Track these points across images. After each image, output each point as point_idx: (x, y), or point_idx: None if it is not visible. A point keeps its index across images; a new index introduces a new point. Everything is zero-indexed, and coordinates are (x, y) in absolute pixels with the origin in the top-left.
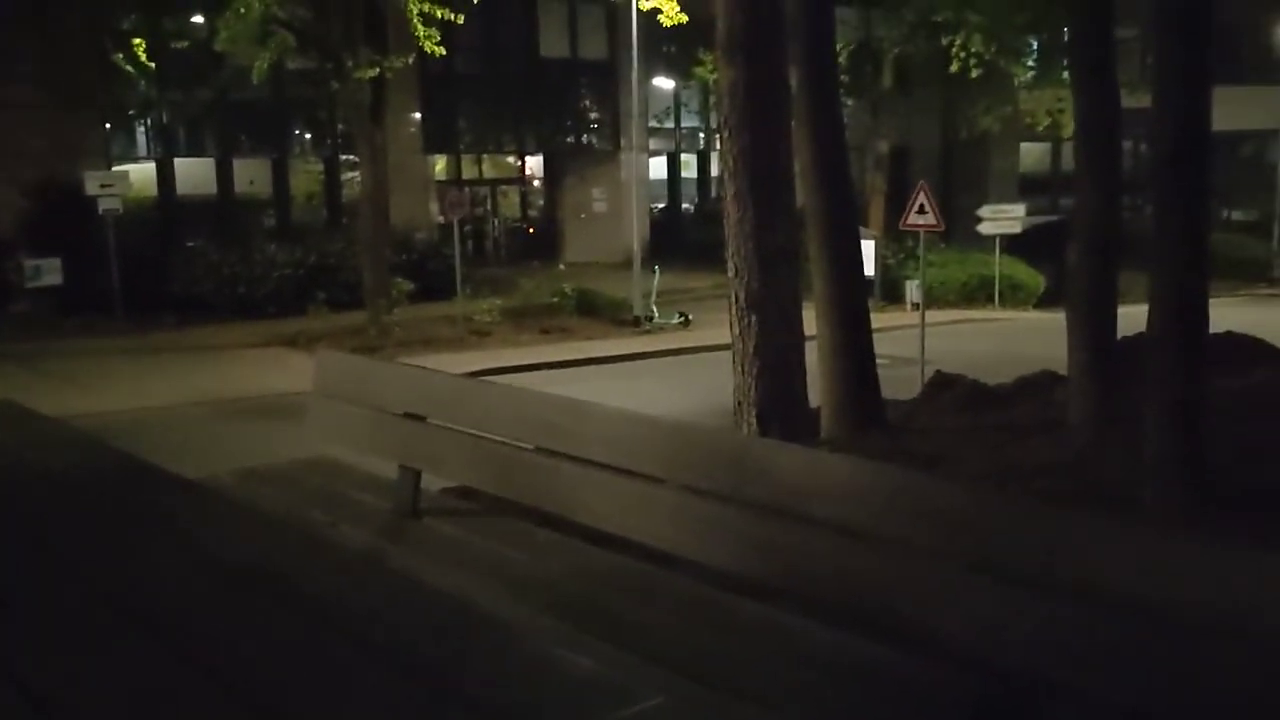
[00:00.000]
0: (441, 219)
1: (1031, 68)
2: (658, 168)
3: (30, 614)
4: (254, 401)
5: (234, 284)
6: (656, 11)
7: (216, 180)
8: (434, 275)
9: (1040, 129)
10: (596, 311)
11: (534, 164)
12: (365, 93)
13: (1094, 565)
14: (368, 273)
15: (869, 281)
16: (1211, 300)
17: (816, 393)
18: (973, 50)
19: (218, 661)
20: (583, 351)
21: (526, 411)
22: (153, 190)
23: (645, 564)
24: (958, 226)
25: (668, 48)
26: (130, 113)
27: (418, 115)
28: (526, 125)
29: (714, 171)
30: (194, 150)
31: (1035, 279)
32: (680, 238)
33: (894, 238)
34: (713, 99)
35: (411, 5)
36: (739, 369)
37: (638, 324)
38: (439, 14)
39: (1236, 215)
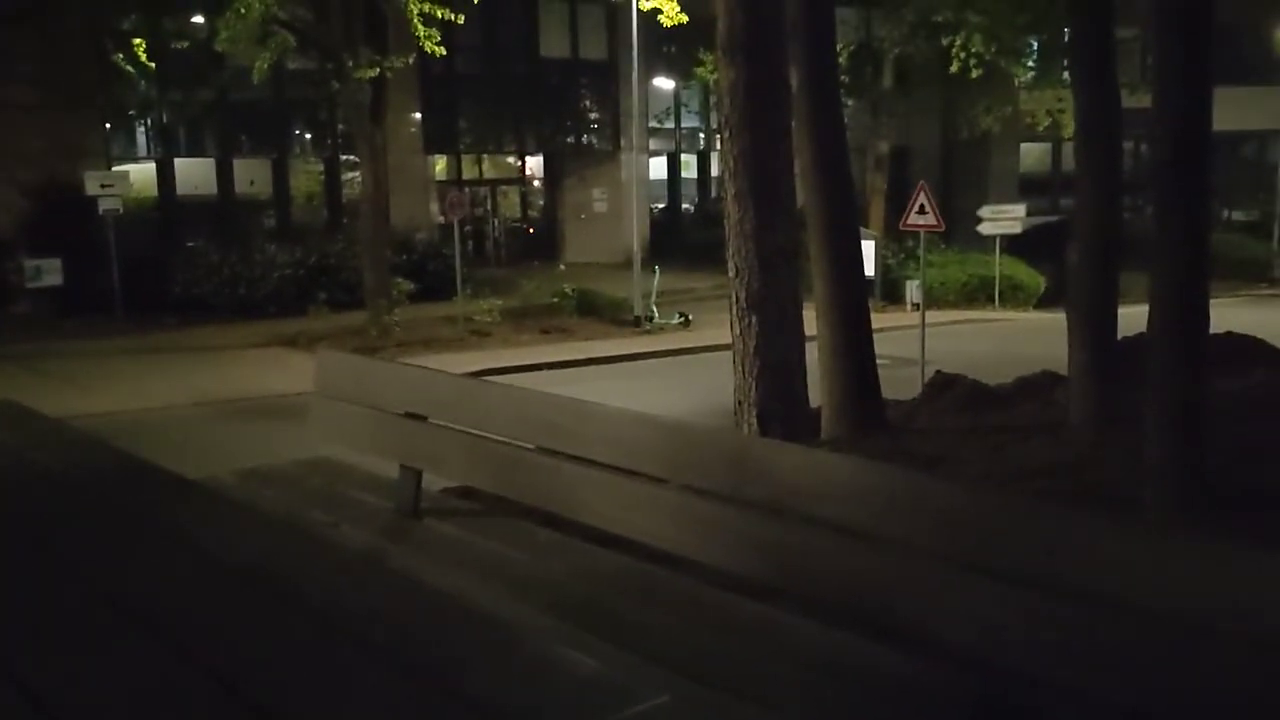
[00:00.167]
0: (442, 219)
1: (1032, 68)
2: (658, 168)
3: (30, 614)
4: (254, 402)
5: (234, 284)
6: (657, 12)
7: (217, 180)
8: (434, 275)
9: (1041, 129)
10: (597, 312)
11: (534, 164)
12: (365, 93)
13: (1094, 565)
14: (368, 273)
15: (869, 282)
16: (1212, 300)
17: (817, 393)
18: (973, 50)
19: (218, 662)
20: (583, 352)
21: (528, 411)
22: (153, 190)
23: (647, 564)
24: (958, 227)
25: (668, 48)
26: (130, 113)
27: (418, 115)
28: (527, 125)
29: (714, 172)
30: (194, 150)
31: (1035, 279)
32: (680, 238)
33: (894, 238)
34: (713, 99)
35: (412, 5)
36: (739, 369)
37: (638, 324)
38: (439, 14)
39: (1237, 215)
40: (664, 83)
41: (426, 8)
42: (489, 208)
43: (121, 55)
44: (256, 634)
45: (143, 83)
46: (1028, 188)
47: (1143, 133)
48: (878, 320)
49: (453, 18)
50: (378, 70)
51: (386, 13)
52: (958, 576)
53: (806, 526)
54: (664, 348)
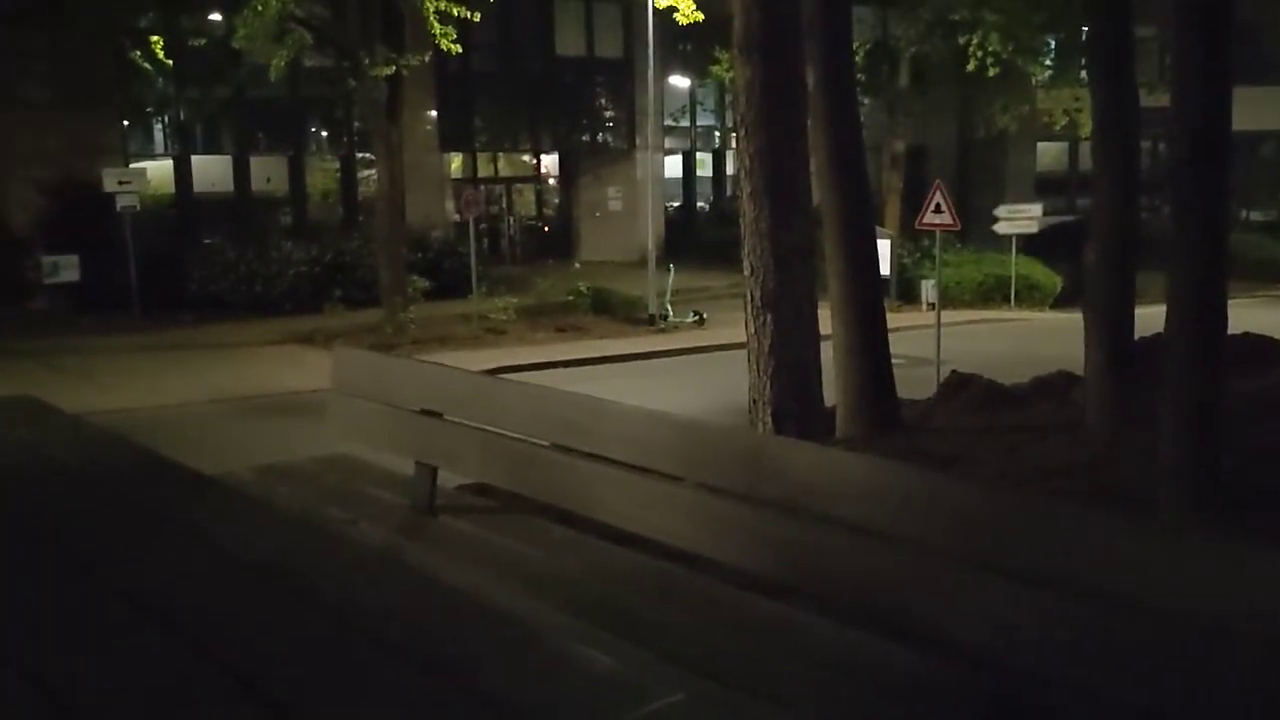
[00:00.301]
0: (457, 217)
1: (1049, 67)
2: (673, 166)
3: (46, 609)
4: (270, 399)
5: (250, 281)
6: (672, 10)
7: (233, 178)
8: (449, 273)
9: (1058, 128)
10: (611, 310)
11: (549, 162)
12: (381, 91)
13: (1109, 565)
14: (384, 270)
15: (885, 281)
16: (1229, 301)
17: (832, 392)
18: (990, 49)
19: (234, 658)
20: (598, 350)
21: (544, 409)
22: (170, 188)
23: (662, 562)
24: (974, 226)
25: (684, 46)
26: (147, 110)
27: (434, 113)
28: (542, 124)
29: (730, 170)
30: (211, 148)
31: (1052, 279)
32: (695, 237)
33: (910, 237)
34: (729, 97)
35: (428, 3)
36: (754, 368)
37: (653, 323)
38: (455, 12)
39: (1255, 215)
40: (679, 81)
41: (443, 5)
42: (504, 206)
43: (138, 53)
44: (273, 631)
45: (160, 80)
46: (1044, 187)
47: (1161, 132)
48: (893, 320)
49: (469, 16)
50: (394, 68)
51: (403, 11)
52: (972, 576)
53: (821, 525)
54: (678, 346)
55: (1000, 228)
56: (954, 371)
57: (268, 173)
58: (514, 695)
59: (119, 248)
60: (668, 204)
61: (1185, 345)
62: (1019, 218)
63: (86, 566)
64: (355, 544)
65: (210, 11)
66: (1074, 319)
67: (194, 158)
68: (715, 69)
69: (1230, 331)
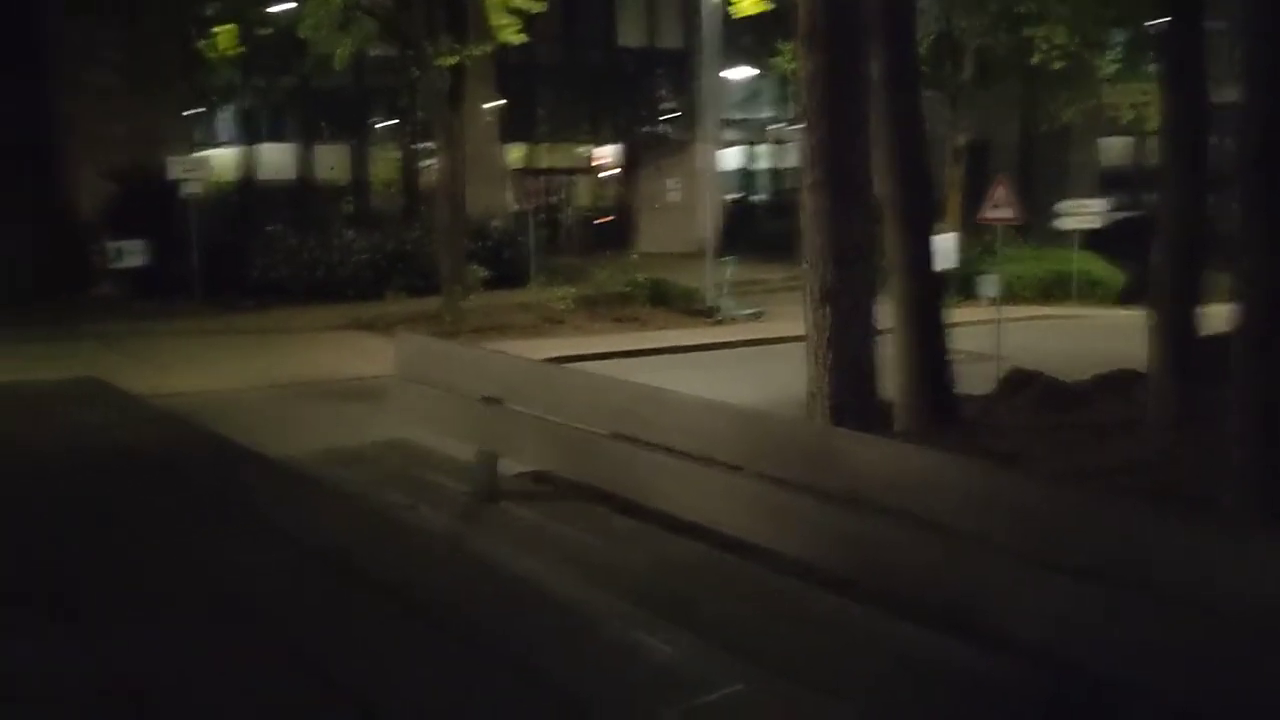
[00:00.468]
0: (517, 207)
1: (1116, 61)
2: (733, 158)
3: (112, 588)
4: (331, 384)
5: (312, 268)
6: (729, 1)
7: (297, 166)
8: (508, 263)
9: (1125, 123)
10: (669, 302)
11: (609, 153)
12: (444, 81)
13: (1173, 563)
14: (444, 259)
15: (944, 275)
16: None
17: (890, 387)
18: (1056, 43)
19: (298, 638)
20: (655, 341)
21: (606, 398)
22: (234, 175)
23: (722, 552)
24: (1036, 221)
25: (745, 38)
26: (213, 99)
27: (496, 104)
28: (602, 115)
29: (790, 163)
30: (275, 136)
31: (1115, 275)
32: (754, 229)
33: (971, 231)
34: (790, 89)
35: None
36: (812, 361)
37: (710, 315)
38: (518, 3)
39: None
40: (741, 73)
41: None
42: (563, 196)
43: (205, 42)
44: (337, 614)
45: (225, 69)
46: (1109, 182)
47: (1231, 129)
48: (952, 315)
49: (532, 7)
50: (457, 59)
51: (466, 1)
52: (1033, 572)
53: (883, 518)
54: (736, 339)
55: (1063, 223)
56: (1014, 368)
57: (330, 161)
58: (575, 682)
59: (183, 234)
60: (726, 196)
61: (1253, 344)
62: (1082, 213)
63: (153, 547)
64: (417, 529)
65: (277, 1)
66: (1137, 316)
67: (258, 146)
68: (777, 61)
69: None
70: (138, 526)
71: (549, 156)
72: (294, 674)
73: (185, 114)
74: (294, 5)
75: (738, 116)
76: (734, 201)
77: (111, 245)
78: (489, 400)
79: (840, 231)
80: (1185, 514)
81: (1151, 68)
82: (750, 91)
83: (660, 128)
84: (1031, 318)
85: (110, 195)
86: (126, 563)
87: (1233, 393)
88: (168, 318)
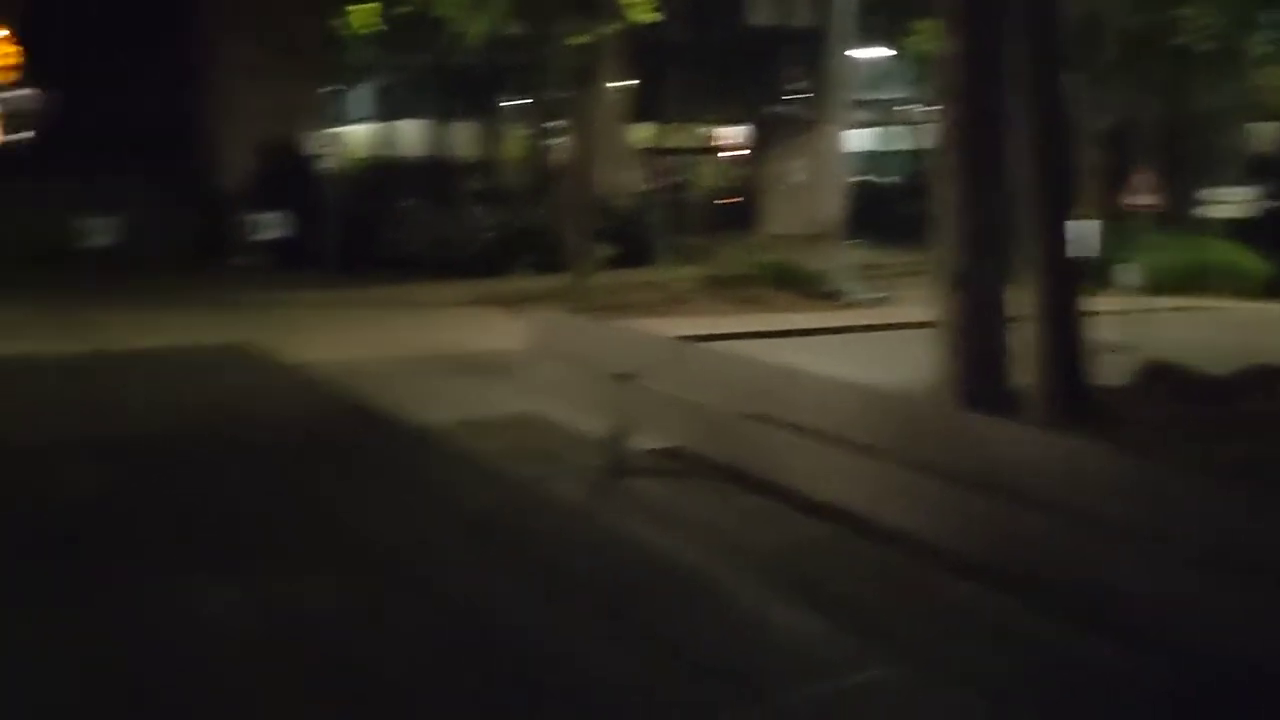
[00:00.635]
0: (644, 186)
1: (1269, 43)
2: (863, 140)
3: (265, 547)
4: (461, 358)
5: (442, 244)
6: None
7: (429, 143)
8: (634, 242)
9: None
10: (794, 284)
11: (737, 134)
12: (576, 60)
13: None
14: (570, 237)
15: (1083, 263)
16: None
17: (1023, 375)
18: (1204, 23)
19: (444, 592)
20: (780, 323)
21: (739, 376)
22: (368, 151)
23: (852, 534)
24: (1180, 209)
25: (878, 17)
26: (351, 77)
27: (625, 83)
28: (731, 94)
29: (922, 145)
30: (409, 113)
31: (1262, 266)
32: (882, 212)
33: (1111, 219)
34: (922, 70)
35: None
36: (943, 347)
37: (836, 298)
38: None
39: None
40: (872, 53)
41: None
42: (689, 176)
43: (344, 20)
44: (484, 578)
45: (364, 47)
46: (1257, 169)
47: None
48: (1090, 304)
49: None
50: (589, 37)
51: None
52: (1177, 563)
53: (1020, 504)
54: (862, 323)
55: (1207, 211)
56: (1152, 359)
57: (462, 138)
58: (712, 656)
59: (319, 208)
60: (855, 178)
61: None
62: (1228, 201)
63: (305, 506)
64: (552, 499)
65: None
66: None
67: (393, 123)
68: (911, 41)
69: None
70: (292, 487)
71: (676, 136)
72: (440, 622)
73: (324, 91)
74: None
75: (867, 97)
76: (861, 184)
77: (252, 218)
78: (621, 376)
79: (974, 216)
80: None
81: None
82: (880, 72)
83: (788, 108)
84: (1172, 309)
85: (251, 169)
86: (281, 519)
87: None
88: (303, 288)
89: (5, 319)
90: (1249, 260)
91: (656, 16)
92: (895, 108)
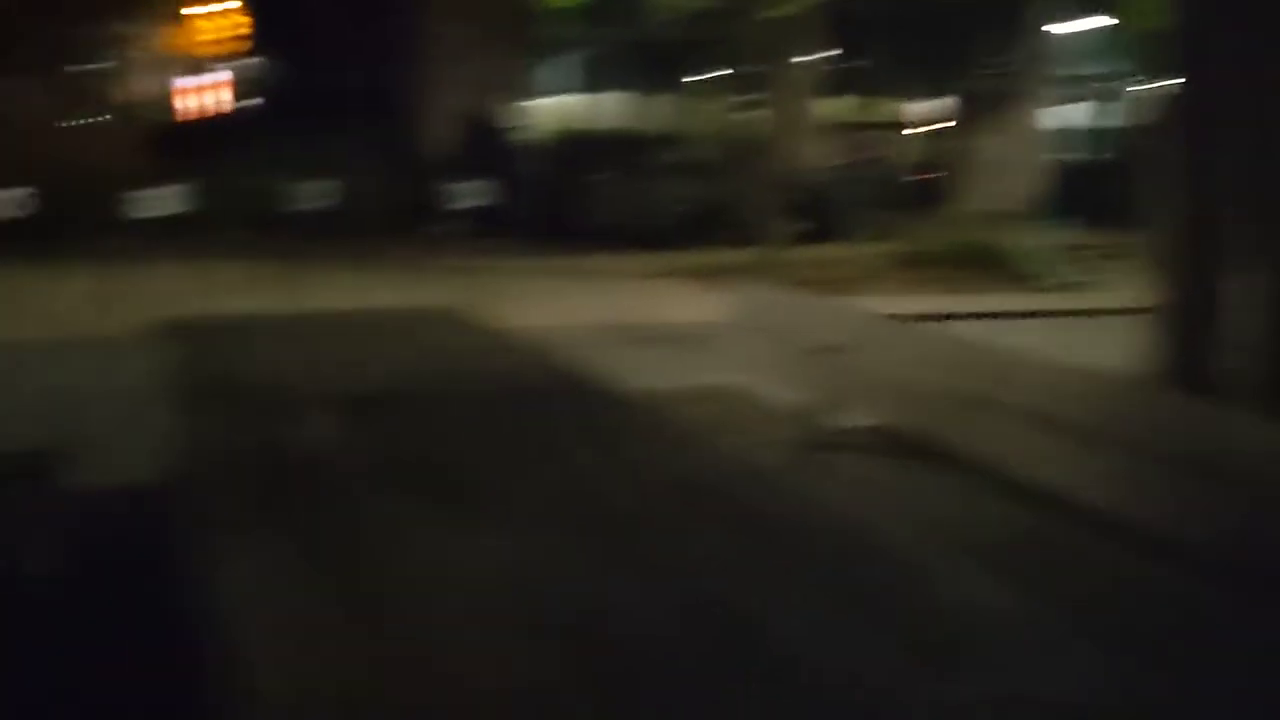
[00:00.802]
0: (837, 161)
1: None
2: (1065, 116)
3: (485, 509)
4: (652, 328)
5: (634, 216)
6: None
7: (624, 115)
8: (825, 217)
9: None
10: (990, 264)
11: (933, 108)
12: (771, 33)
13: None
14: (761, 211)
15: None
16: None
17: (1241, 361)
18: None
19: (654, 557)
20: (977, 304)
21: (944, 354)
22: (565, 123)
23: (1067, 521)
24: None
25: None
26: (550, 50)
27: (819, 56)
28: (927, 68)
29: (1128, 122)
30: (606, 86)
31: None
32: (1085, 191)
33: None
34: (1137, 44)
35: None
36: (1156, 334)
37: (1035, 280)
38: None
39: None
40: (1078, 25)
41: None
42: (883, 151)
43: None
44: (685, 535)
45: (563, 20)
46: None
47: None
48: None
49: None
50: (784, 11)
51: None
52: None
53: (1251, 496)
54: (1065, 306)
55: None
56: None
57: (656, 111)
58: (927, 634)
59: (514, 178)
60: (1058, 155)
61: None
62: None
63: (527, 464)
64: (759, 470)
65: None
66: None
67: (589, 95)
68: (1120, 12)
69: None
70: (512, 444)
71: (870, 110)
72: (651, 584)
73: (524, 64)
74: None
75: (1071, 72)
76: (1066, 161)
77: (452, 186)
78: (825, 351)
79: (1190, 195)
80: None
81: None
82: (1085, 46)
83: (986, 83)
84: None
85: (451, 139)
86: (506, 474)
87: None
88: (500, 256)
89: (229, 278)
90: None
91: None
92: (1101, 83)
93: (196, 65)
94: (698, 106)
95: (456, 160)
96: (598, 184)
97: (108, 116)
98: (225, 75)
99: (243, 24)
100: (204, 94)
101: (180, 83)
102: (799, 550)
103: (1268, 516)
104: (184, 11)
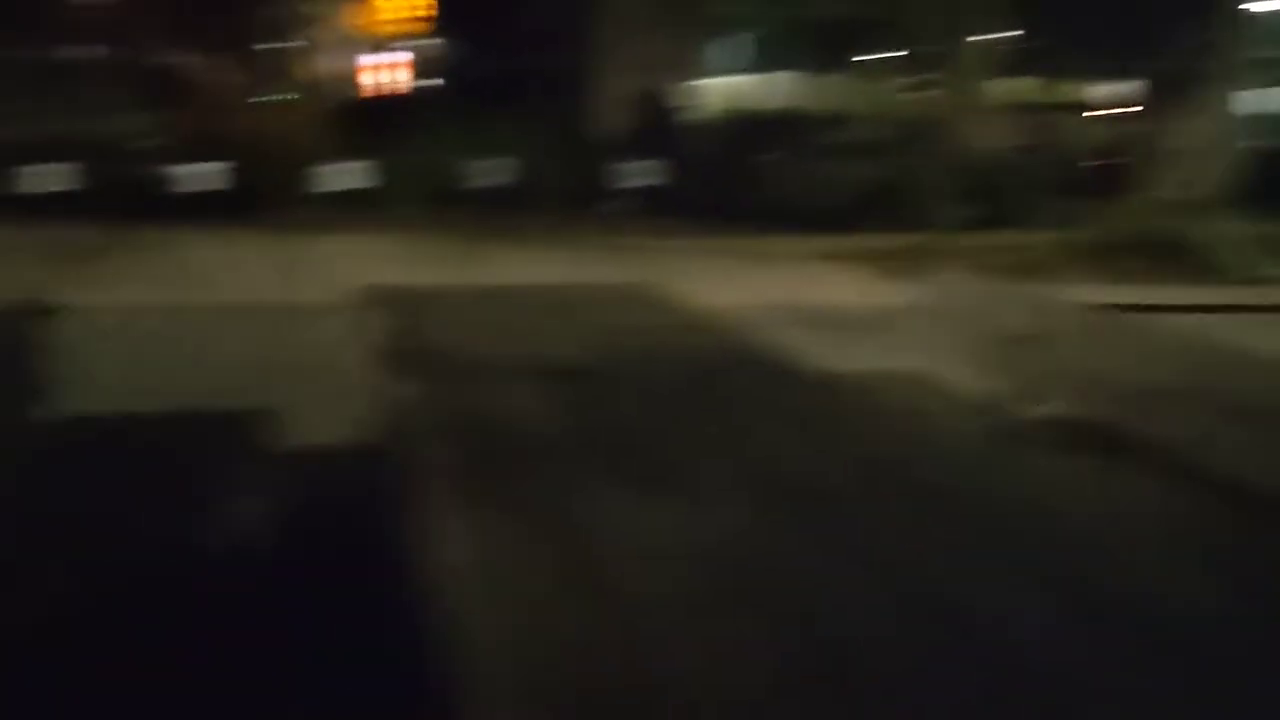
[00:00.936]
0: (1011, 144)
1: None
2: (1262, 100)
3: (687, 483)
4: (828, 310)
5: (802, 197)
6: None
7: (794, 95)
8: (999, 202)
9: None
10: (1178, 254)
11: (1118, 90)
12: (949, 10)
13: None
14: (932, 194)
15: None
16: None
17: None
18: None
19: (860, 534)
20: (1166, 296)
21: (1141, 345)
22: (735, 103)
23: (1272, 519)
24: None
25: None
26: (723, 30)
27: (995, 36)
28: (1110, 49)
29: None
30: (776, 66)
31: None
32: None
33: None
34: None
35: None
36: None
37: (1226, 272)
38: None
39: None
40: (1271, 5)
41: None
42: (1059, 136)
43: None
44: (896, 520)
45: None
46: None
47: None
48: None
49: None
50: None
51: None
52: None
53: None
54: (1262, 301)
55: None
56: None
57: (825, 91)
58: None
59: (683, 158)
60: (1251, 142)
61: None
62: None
63: (716, 445)
64: (948, 456)
65: None
66: None
67: (759, 75)
68: None
69: None
70: (706, 420)
71: (1049, 92)
72: (852, 563)
73: (695, 42)
74: None
75: (1265, 55)
76: (1256, 148)
77: (622, 165)
78: (1017, 339)
79: None
80: None
81: None
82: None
83: (1177, 64)
84: None
85: (624, 118)
86: (703, 448)
87: None
88: (667, 235)
89: (410, 251)
90: None
91: None
92: None
93: (379, 45)
94: (869, 86)
95: (627, 140)
96: (766, 164)
97: (297, 94)
98: (406, 55)
99: (423, 5)
100: (386, 73)
101: (364, 61)
102: (996, 536)
103: None
104: None
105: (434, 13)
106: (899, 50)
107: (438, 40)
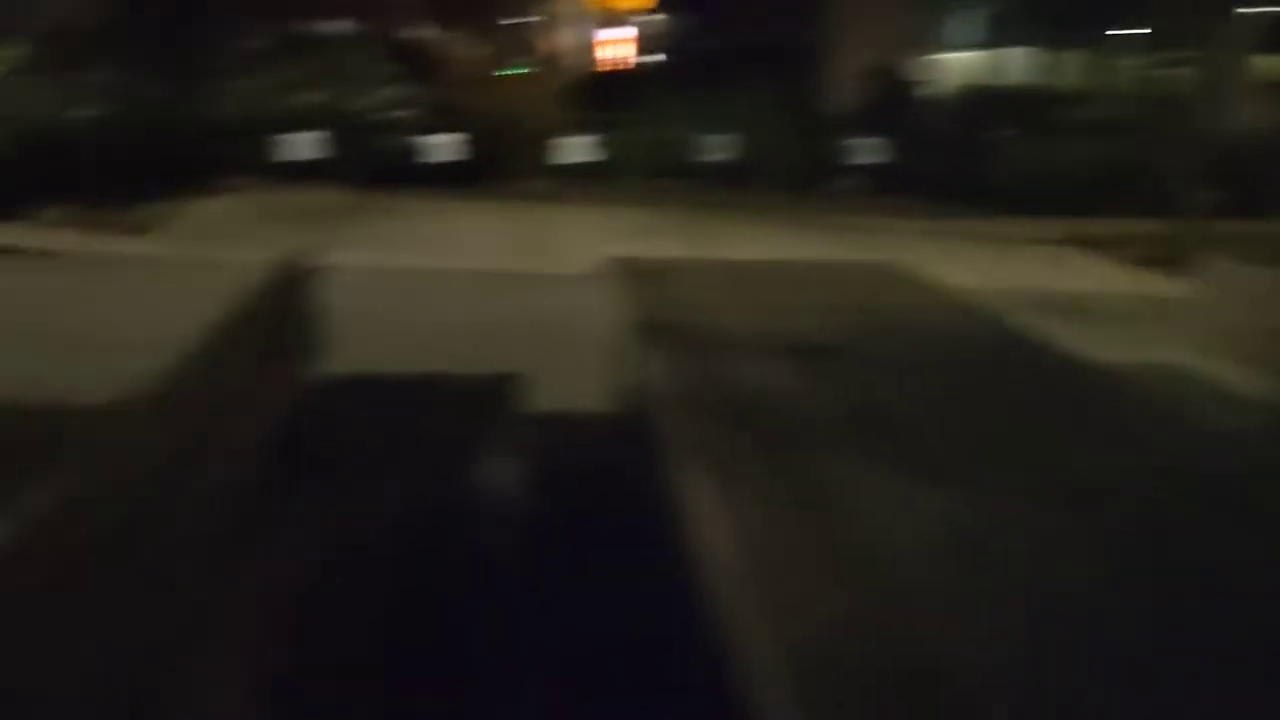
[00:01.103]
0: (1268, 126)
1: None
2: None
3: (943, 468)
4: (1076, 298)
5: (1038, 178)
6: None
7: (1031, 70)
8: (1254, 187)
9: None
10: None
11: None
12: None
13: None
14: (1179, 177)
15: None
16: None
17: None
18: None
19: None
20: None
21: None
22: (970, 79)
23: None
24: None
25: None
26: (956, 3)
27: (1258, 10)
28: None
29: None
30: (1015, 40)
31: None
32: None
33: None
34: None
35: None
36: None
37: None
38: None
39: None
40: None
41: None
42: None
43: None
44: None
45: None
46: None
47: None
48: None
49: None
50: None
51: None
52: None
53: None
54: None
55: None
56: None
57: (1064, 67)
58: None
59: (915, 135)
60: None
61: None
62: None
63: (975, 432)
64: (1219, 453)
65: None
66: None
67: (997, 50)
68: None
69: None
70: (958, 408)
71: None
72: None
73: (929, 17)
74: None
75: None
76: None
77: (854, 142)
78: None
79: None
80: None
81: None
82: None
83: None
84: None
85: (856, 94)
86: (949, 438)
87: None
88: (899, 215)
89: (645, 223)
90: None
91: None
92: None
93: (611, 20)
94: (1111, 62)
95: (858, 116)
96: (1001, 142)
97: (536, 68)
98: (636, 30)
99: None
100: (618, 48)
101: (598, 36)
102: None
103: None
104: None
105: None
106: (1149, 26)
107: (668, 16)
